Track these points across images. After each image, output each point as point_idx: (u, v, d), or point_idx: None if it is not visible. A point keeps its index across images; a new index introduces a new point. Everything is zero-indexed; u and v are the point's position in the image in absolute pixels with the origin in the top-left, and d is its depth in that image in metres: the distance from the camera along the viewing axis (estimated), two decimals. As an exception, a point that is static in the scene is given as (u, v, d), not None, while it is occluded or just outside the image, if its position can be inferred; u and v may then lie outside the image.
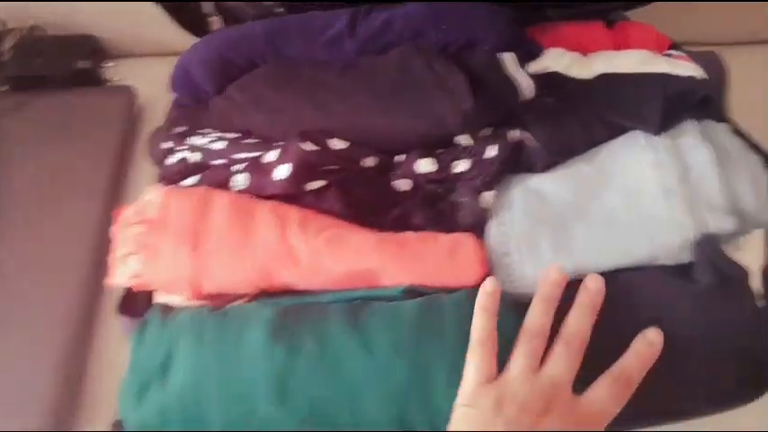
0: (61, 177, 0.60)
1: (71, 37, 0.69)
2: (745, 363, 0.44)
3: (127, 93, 0.66)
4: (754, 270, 0.45)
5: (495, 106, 0.44)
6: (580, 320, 0.38)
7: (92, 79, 0.68)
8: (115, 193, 0.62)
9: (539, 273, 0.41)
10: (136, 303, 0.45)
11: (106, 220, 0.59)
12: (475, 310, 0.38)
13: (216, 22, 0.57)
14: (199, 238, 0.40)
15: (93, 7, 0.68)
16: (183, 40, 0.57)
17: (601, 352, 0.39)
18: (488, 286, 0.39)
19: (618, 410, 0.37)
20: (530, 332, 0.38)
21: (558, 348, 0.37)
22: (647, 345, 0.38)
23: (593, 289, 0.39)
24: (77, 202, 0.60)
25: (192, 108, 0.50)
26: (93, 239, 0.57)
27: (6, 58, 0.68)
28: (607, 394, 0.36)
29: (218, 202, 0.41)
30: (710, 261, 0.40)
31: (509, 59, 0.45)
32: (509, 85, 0.44)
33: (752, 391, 0.44)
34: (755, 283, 0.44)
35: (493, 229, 0.42)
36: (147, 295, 0.45)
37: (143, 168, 0.64)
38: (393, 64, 0.45)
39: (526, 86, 0.44)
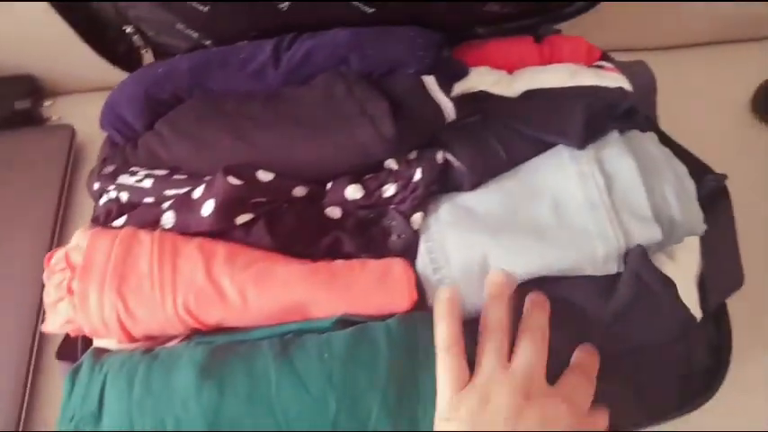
0: (3, 217, 0.60)
1: (8, 78, 0.68)
2: (682, 374, 0.44)
3: (66, 131, 0.65)
4: (689, 278, 0.46)
5: (419, 130, 0.44)
6: (536, 315, 0.39)
7: (31, 119, 0.68)
8: (59, 233, 0.61)
9: (469, 285, 0.41)
10: (75, 348, 0.45)
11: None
12: (435, 321, 0.38)
13: (147, 56, 0.57)
14: (124, 280, 0.39)
15: (30, 47, 0.68)
16: (120, 75, 0.57)
17: None
18: (442, 294, 0.39)
19: (592, 392, 0.38)
20: (491, 329, 0.39)
21: (523, 341, 0.38)
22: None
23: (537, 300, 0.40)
24: (21, 242, 0.60)
25: (123, 146, 0.50)
26: (37, 280, 0.56)
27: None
28: (578, 379, 0.38)
29: (143, 243, 0.41)
30: (636, 274, 0.41)
31: (432, 82, 0.45)
32: (433, 107, 0.44)
33: (693, 400, 0.44)
34: (691, 291, 0.45)
35: (422, 246, 0.42)
36: (86, 340, 0.44)
37: (86, 206, 0.63)
38: (316, 92, 0.45)
39: (449, 108, 0.44)
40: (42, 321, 0.54)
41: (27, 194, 0.62)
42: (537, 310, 0.40)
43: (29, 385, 0.54)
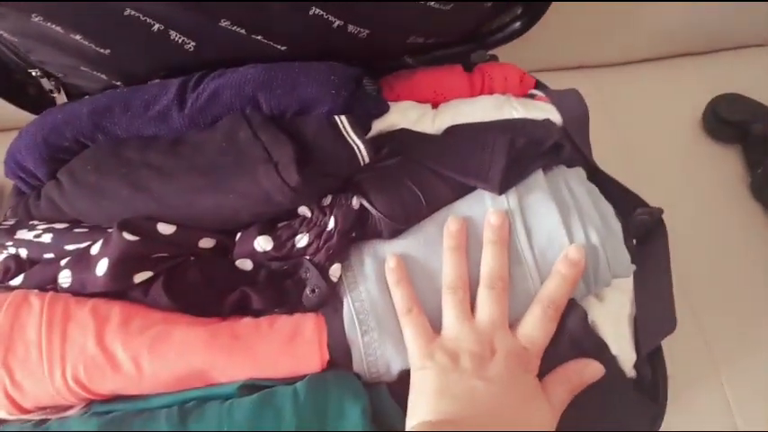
0: None
1: None
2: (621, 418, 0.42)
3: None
4: (621, 319, 0.43)
5: (331, 174, 0.41)
6: (494, 259, 0.39)
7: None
8: None
9: (399, 349, 0.39)
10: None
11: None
12: (390, 289, 0.40)
13: (60, 97, 0.54)
14: (10, 350, 0.36)
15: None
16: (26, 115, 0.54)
17: None
18: (390, 263, 0.40)
19: (549, 338, 0.38)
20: (450, 286, 0.39)
21: (482, 293, 0.39)
22: (569, 265, 0.39)
23: (496, 224, 0.40)
24: None
25: (27, 196, 0.47)
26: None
27: None
28: (539, 324, 0.38)
29: (33, 307, 0.38)
30: (572, 335, 0.39)
31: (345, 122, 0.42)
32: (347, 150, 0.42)
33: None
34: (623, 333, 0.43)
35: (348, 307, 0.40)
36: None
37: None
38: (219, 136, 0.42)
39: (364, 151, 0.42)
40: None
41: None
42: (493, 251, 0.40)
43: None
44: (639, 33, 0.75)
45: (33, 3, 0.41)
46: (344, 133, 0.42)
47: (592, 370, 0.39)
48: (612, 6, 0.68)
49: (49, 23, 0.43)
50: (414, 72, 0.53)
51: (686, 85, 0.74)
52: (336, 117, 0.43)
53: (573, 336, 0.39)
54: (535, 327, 0.38)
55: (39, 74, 0.51)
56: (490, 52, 0.57)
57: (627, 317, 0.43)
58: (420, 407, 0.36)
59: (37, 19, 0.42)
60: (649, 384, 0.44)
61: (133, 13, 0.42)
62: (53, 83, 0.52)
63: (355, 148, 0.42)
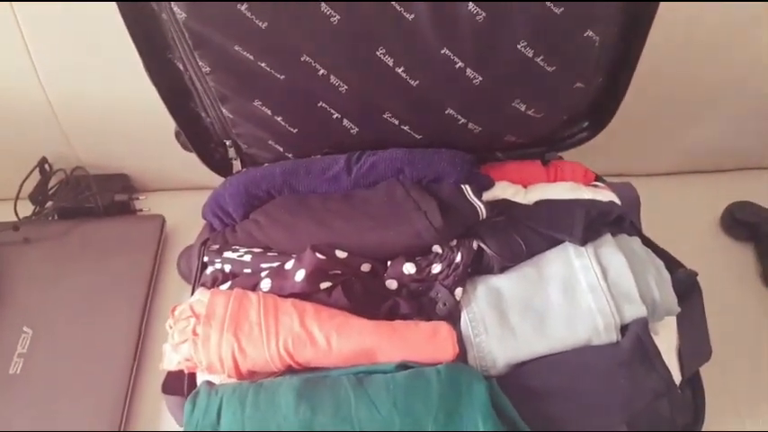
0: (103, 292, 0.72)
1: (108, 175, 0.83)
2: (667, 423, 0.55)
3: (157, 220, 0.79)
4: (669, 350, 0.58)
5: (460, 224, 0.58)
6: None
7: (126, 209, 0.82)
8: (149, 308, 0.73)
9: (501, 349, 0.53)
10: (181, 383, 0.56)
11: (143, 329, 0.70)
12: None
13: (236, 164, 0.72)
14: (238, 326, 0.51)
15: (128, 150, 0.83)
16: (199, 177, 0.72)
17: (558, 415, 0.51)
18: None
19: None
20: None
21: None
22: None
23: None
24: (114, 317, 0.71)
25: (222, 230, 0.64)
26: (131, 347, 0.68)
27: (54, 192, 0.81)
28: None
29: (252, 300, 0.53)
30: (637, 335, 0.53)
31: (468, 189, 0.59)
32: (471, 207, 0.59)
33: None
34: (671, 360, 0.57)
35: (465, 317, 0.55)
36: (183, 377, 0.56)
37: (170, 283, 0.76)
38: (380, 193, 0.59)
39: (483, 208, 0.58)
40: (130, 392, 0.65)
41: (122, 273, 0.73)
42: None
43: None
44: (666, 150, 0.93)
45: (260, 90, 0.59)
46: (468, 196, 0.59)
47: None
48: (654, 126, 0.86)
49: (264, 107, 0.61)
50: (504, 163, 0.71)
51: (707, 194, 0.91)
52: (462, 185, 0.60)
53: (637, 336, 0.53)
54: None
55: (230, 144, 0.69)
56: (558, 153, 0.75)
57: (674, 349, 0.58)
58: None
59: (257, 103, 0.61)
60: (691, 406, 0.58)
61: (323, 105, 0.61)
62: (236, 151, 0.70)
63: (477, 206, 0.58)
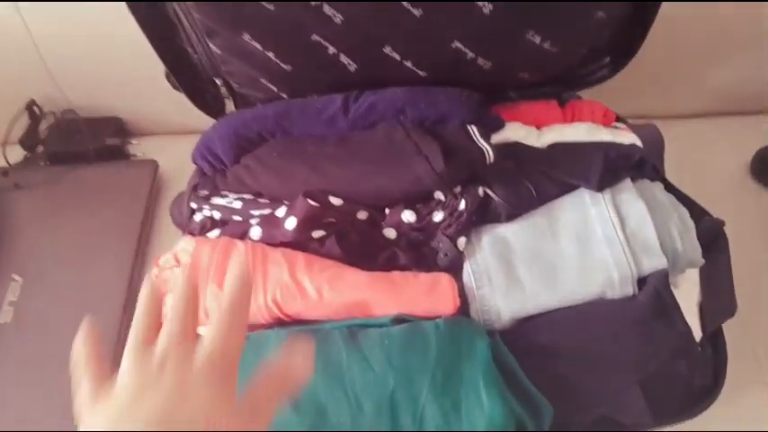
0: (94, 239, 0.69)
1: (100, 119, 0.79)
2: (685, 389, 0.52)
3: (150, 165, 0.76)
4: (690, 305, 0.53)
5: (465, 168, 0.53)
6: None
7: (119, 154, 0.78)
8: (141, 255, 0.70)
9: (506, 302, 0.49)
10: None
11: (134, 277, 0.68)
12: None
13: (229, 104, 0.67)
14: (224, 276, 0.48)
15: (119, 93, 0.79)
16: (194, 121, 0.68)
17: (566, 373, 0.47)
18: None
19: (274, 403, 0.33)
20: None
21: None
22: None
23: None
24: (105, 264, 0.68)
25: (213, 175, 0.60)
26: (121, 294, 0.65)
27: (44, 137, 0.78)
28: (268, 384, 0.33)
29: (239, 249, 0.50)
30: (656, 288, 0.49)
31: (476, 130, 0.55)
32: (478, 150, 0.54)
33: (693, 409, 0.52)
34: (692, 315, 0.53)
35: (467, 269, 0.51)
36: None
37: (163, 230, 0.73)
38: (379, 136, 0.55)
39: (491, 152, 0.54)
40: (121, 340, 0.62)
41: (114, 220, 0.70)
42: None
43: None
44: (693, 90, 0.86)
45: (248, 23, 0.54)
46: (475, 138, 0.54)
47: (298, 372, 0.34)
48: (677, 63, 0.80)
49: (253, 41, 0.56)
50: (517, 104, 0.65)
51: (735, 137, 0.85)
52: (468, 125, 0.55)
53: (655, 289, 0.49)
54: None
55: (221, 82, 0.64)
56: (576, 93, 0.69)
57: (695, 304, 0.53)
58: None
59: (246, 37, 0.56)
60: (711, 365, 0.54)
61: (317, 38, 0.55)
62: (228, 91, 0.66)
63: (484, 149, 0.54)
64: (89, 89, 0.79)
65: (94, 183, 0.74)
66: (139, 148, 0.80)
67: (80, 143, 0.76)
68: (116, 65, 0.76)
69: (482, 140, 0.54)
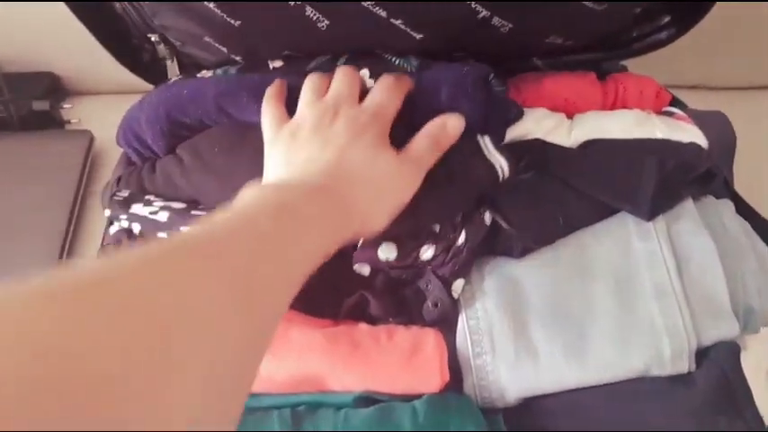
0: (19, 219, 0.58)
1: (28, 74, 0.65)
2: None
3: (85, 137, 0.62)
4: (759, 373, 0.40)
5: (471, 192, 0.39)
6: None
7: (49, 120, 0.64)
8: (71, 239, 0.60)
9: (514, 375, 0.36)
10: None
11: (62, 259, 0.57)
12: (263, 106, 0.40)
13: (172, 66, 0.52)
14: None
15: (53, 43, 0.64)
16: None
17: None
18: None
19: (398, 107, 0.38)
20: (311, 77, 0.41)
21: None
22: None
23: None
24: (31, 247, 0.58)
25: (140, 167, 0.46)
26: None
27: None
28: (386, 91, 0.39)
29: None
30: (724, 371, 0.35)
31: (489, 142, 0.39)
32: (488, 169, 0.39)
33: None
34: (761, 386, 0.39)
35: (463, 324, 0.38)
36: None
37: (99, 214, 0.60)
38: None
39: (505, 167, 0.39)
40: None
41: (41, 199, 0.60)
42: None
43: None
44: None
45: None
46: (486, 152, 0.39)
47: (453, 122, 0.38)
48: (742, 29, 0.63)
49: (186, -14, 0.41)
50: (543, 76, 0.49)
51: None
52: (479, 137, 0.40)
53: (722, 372, 0.35)
54: (382, 92, 0.38)
55: (157, 39, 0.49)
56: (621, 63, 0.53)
57: (765, 371, 0.40)
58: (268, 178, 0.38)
59: (174, -19, 0.41)
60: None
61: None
62: (168, 50, 0.51)
63: (495, 165, 0.39)
64: (13, 36, 0.63)
65: (19, 156, 0.62)
66: (73, 112, 0.66)
67: (1, 107, 0.62)
68: (48, 8, 0.61)
69: (496, 153, 0.39)
